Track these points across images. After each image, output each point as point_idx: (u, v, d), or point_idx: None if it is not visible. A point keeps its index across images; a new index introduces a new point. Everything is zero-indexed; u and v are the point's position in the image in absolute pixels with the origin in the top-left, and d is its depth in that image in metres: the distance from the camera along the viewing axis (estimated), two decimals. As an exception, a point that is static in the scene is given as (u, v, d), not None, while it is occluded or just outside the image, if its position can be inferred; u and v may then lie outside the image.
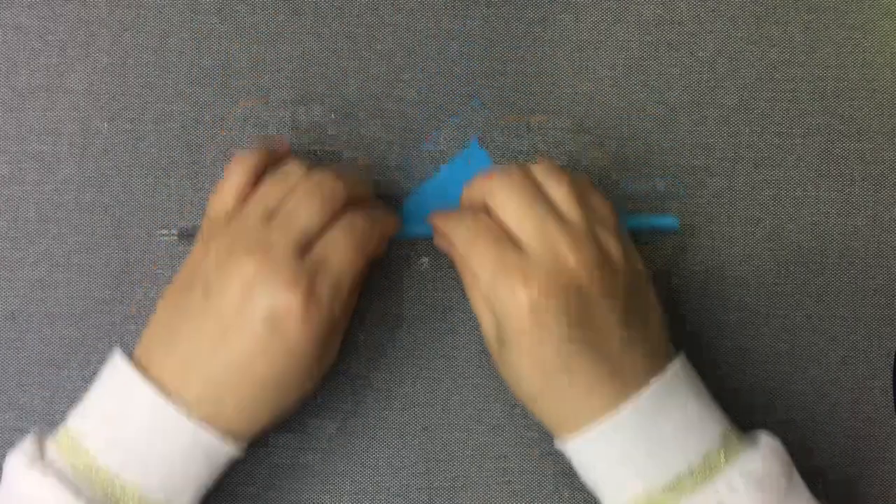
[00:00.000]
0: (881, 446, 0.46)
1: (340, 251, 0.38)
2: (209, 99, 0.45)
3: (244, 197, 0.40)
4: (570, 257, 0.37)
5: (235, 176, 0.40)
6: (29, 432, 0.38)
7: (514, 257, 0.37)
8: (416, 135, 0.46)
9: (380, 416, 0.45)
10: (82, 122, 0.44)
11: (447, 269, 0.45)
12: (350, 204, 0.40)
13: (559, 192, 0.39)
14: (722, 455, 0.37)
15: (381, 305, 0.45)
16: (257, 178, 0.40)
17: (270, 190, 0.39)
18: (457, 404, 0.45)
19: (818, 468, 0.45)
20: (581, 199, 0.39)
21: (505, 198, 0.39)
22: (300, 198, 0.38)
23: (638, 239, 0.43)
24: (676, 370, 0.38)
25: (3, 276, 0.44)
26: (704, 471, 0.37)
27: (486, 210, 0.40)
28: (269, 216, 0.38)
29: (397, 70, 0.46)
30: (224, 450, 0.37)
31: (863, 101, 0.47)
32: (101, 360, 0.39)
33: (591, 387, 0.37)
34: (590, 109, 0.46)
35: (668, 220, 0.45)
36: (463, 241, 0.39)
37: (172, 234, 0.43)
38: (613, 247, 0.38)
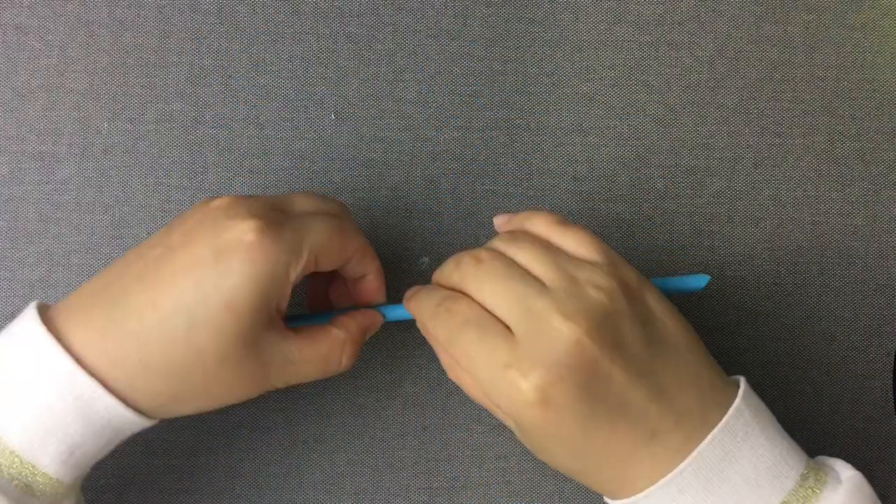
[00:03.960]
0: (881, 446, 0.46)
1: (320, 221, 0.35)
2: (209, 99, 0.45)
3: None
4: (565, 330, 0.32)
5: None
6: None
7: (505, 350, 0.33)
8: (416, 134, 0.46)
9: (380, 416, 0.45)
10: (82, 122, 0.44)
11: (447, 269, 0.45)
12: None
13: (527, 256, 0.35)
14: (804, 501, 0.33)
15: (381, 305, 0.45)
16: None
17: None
18: (457, 404, 0.45)
19: (818, 468, 0.45)
20: (550, 253, 0.35)
21: (478, 284, 0.35)
22: (300, 196, 0.37)
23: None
24: (739, 407, 0.33)
25: (3, 276, 0.44)
26: None
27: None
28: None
29: (397, 70, 0.46)
30: (104, 402, 0.32)
31: (863, 101, 0.47)
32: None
33: (634, 450, 0.33)
34: (590, 109, 0.46)
35: (695, 281, 0.40)
36: (444, 341, 0.35)
37: None
38: (601, 280, 0.34)
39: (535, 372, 0.32)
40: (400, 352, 0.45)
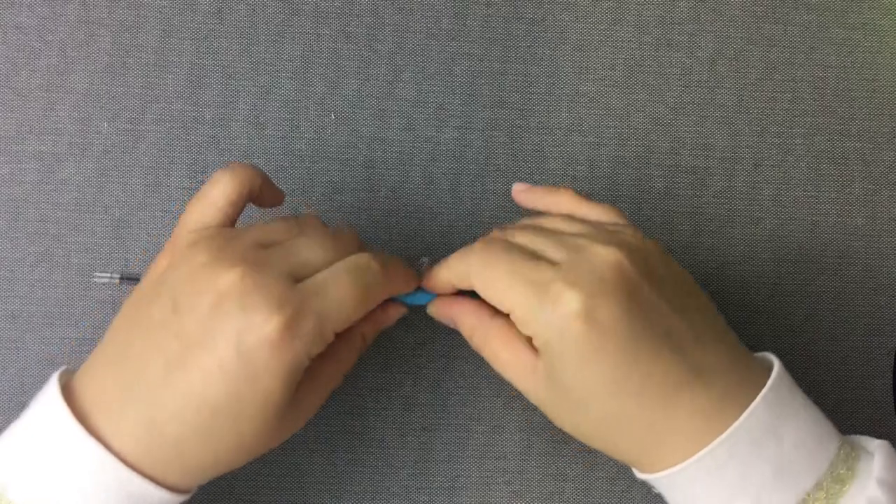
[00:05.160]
0: (881, 446, 0.46)
1: (341, 288, 0.33)
2: (209, 99, 0.45)
3: (231, 217, 0.35)
4: (604, 253, 0.33)
5: (222, 185, 0.35)
6: None
7: (548, 269, 0.33)
8: (416, 134, 0.46)
9: (380, 416, 0.45)
10: (82, 122, 0.44)
11: (447, 269, 0.45)
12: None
13: (553, 224, 0.37)
14: (847, 465, 0.32)
15: (381, 305, 0.45)
16: (248, 198, 0.36)
17: (278, 226, 0.35)
18: (457, 404, 0.45)
19: (818, 468, 0.45)
20: (576, 220, 0.37)
21: (513, 235, 0.36)
22: (310, 236, 0.34)
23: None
24: (781, 371, 0.33)
25: (3, 276, 0.44)
26: (834, 485, 0.32)
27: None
28: (268, 245, 0.34)
29: (397, 70, 0.46)
30: (157, 496, 0.32)
31: (863, 101, 0.47)
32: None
33: (678, 388, 0.32)
34: (590, 109, 0.46)
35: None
36: (479, 266, 0.34)
37: (114, 278, 0.39)
38: (631, 234, 0.35)
39: (580, 285, 0.32)
40: (400, 352, 0.45)
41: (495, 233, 0.37)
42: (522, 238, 0.35)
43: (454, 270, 0.36)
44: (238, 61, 0.45)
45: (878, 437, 0.46)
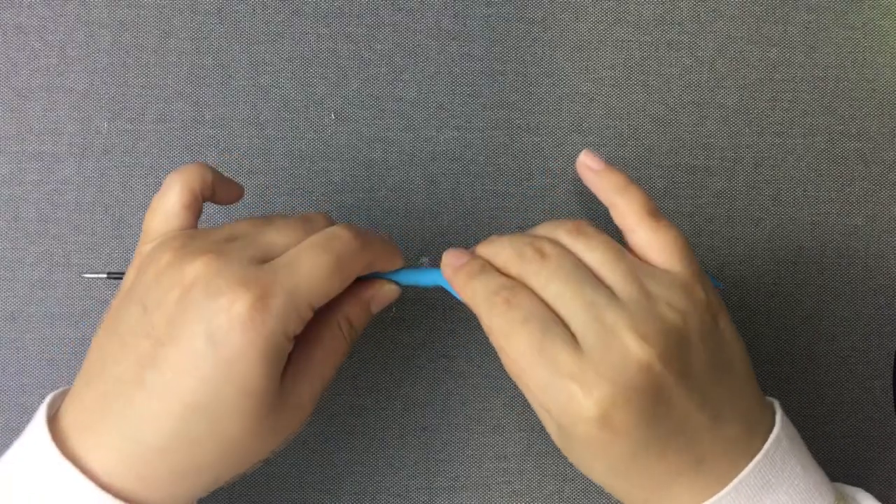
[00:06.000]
0: (881, 446, 0.46)
1: (310, 259, 0.31)
2: (209, 99, 0.45)
3: (189, 221, 0.34)
4: (637, 350, 0.30)
5: (173, 191, 0.34)
6: None
7: (568, 358, 0.30)
8: (416, 134, 0.46)
9: (380, 416, 0.45)
10: (82, 122, 0.44)
11: (447, 269, 0.45)
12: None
13: (597, 258, 0.33)
14: None
15: (381, 305, 0.45)
16: (201, 197, 0.35)
17: (244, 222, 0.34)
18: (457, 404, 0.45)
19: (818, 468, 0.45)
20: (623, 260, 0.33)
21: (543, 282, 0.32)
22: (277, 225, 0.33)
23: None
24: (779, 435, 0.33)
25: (3, 276, 0.44)
26: None
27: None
28: (233, 240, 0.32)
29: (397, 70, 0.46)
30: None
31: (863, 101, 0.47)
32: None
33: (677, 476, 0.32)
34: (590, 109, 0.46)
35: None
36: (501, 335, 0.32)
37: (101, 275, 0.39)
38: (677, 300, 0.31)
39: (601, 389, 0.30)
40: (400, 352, 0.45)
41: (529, 254, 0.33)
42: (553, 287, 0.32)
43: (476, 307, 0.34)
44: (238, 61, 0.45)
45: (878, 437, 0.46)
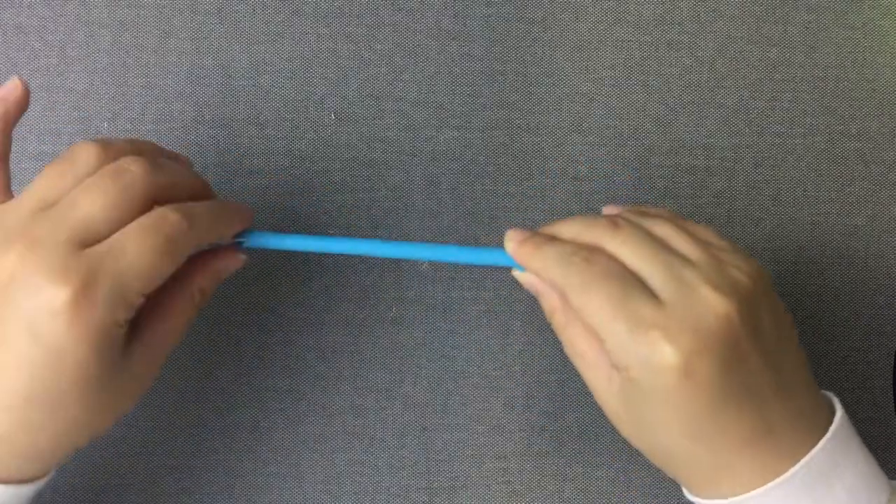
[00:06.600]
0: (881, 446, 0.46)
1: (137, 245, 0.30)
2: (209, 99, 0.45)
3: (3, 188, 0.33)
4: (716, 302, 0.31)
5: None
6: None
7: (650, 309, 0.31)
8: (416, 134, 0.46)
9: (380, 416, 0.45)
10: (82, 122, 0.44)
11: (447, 270, 0.45)
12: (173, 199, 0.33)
13: (665, 231, 0.34)
14: None
15: (380, 306, 0.45)
16: None
17: (51, 179, 0.32)
18: (457, 404, 0.45)
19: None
20: (687, 232, 0.34)
21: (618, 244, 0.33)
22: (87, 185, 0.31)
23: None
24: (844, 416, 0.33)
25: (3, 276, 0.44)
26: None
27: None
28: (45, 207, 0.31)
29: (397, 70, 0.46)
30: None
31: (863, 101, 0.47)
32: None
33: (748, 443, 0.32)
34: (590, 109, 0.46)
35: None
36: (581, 288, 0.32)
37: None
38: (745, 266, 0.33)
39: (684, 337, 0.30)
40: (400, 352, 0.45)
41: (600, 224, 0.34)
42: (628, 250, 0.33)
43: (548, 271, 0.34)
44: (238, 61, 0.45)
45: (878, 437, 0.46)
